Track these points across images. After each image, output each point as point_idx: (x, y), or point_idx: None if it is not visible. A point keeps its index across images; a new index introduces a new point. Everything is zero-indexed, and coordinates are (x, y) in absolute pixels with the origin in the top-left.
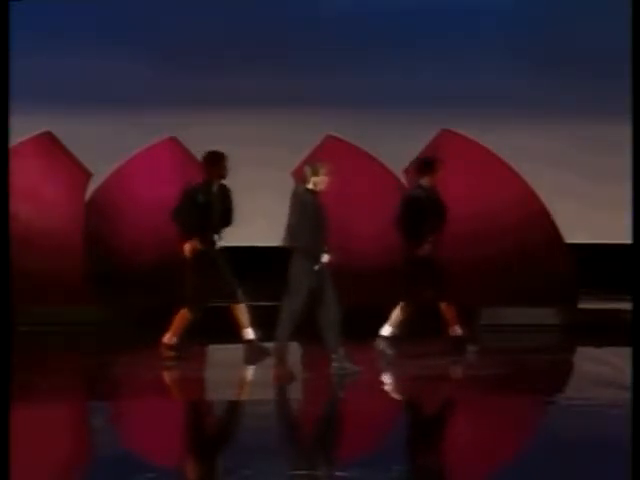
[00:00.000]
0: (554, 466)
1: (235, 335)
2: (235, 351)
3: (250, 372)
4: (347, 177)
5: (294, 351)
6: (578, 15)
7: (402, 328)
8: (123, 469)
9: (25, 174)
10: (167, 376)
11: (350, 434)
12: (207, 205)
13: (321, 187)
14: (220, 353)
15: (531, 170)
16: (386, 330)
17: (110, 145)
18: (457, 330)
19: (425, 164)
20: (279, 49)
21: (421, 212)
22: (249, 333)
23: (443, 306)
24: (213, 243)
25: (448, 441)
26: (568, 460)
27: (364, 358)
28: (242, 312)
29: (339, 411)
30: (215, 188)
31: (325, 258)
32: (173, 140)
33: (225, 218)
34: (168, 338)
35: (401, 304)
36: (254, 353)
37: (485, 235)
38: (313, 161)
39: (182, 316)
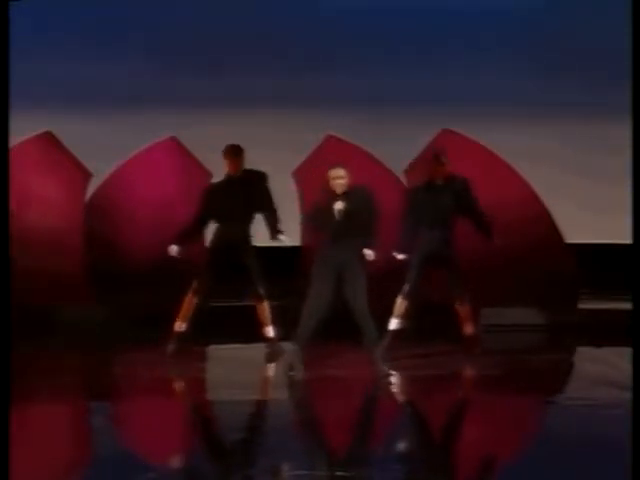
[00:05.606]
0: (554, 466)
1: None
2: (241, 351)
3: (253, 372)
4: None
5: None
6: (578, 14)
7: (408, 320)
8: (123, 469)
9: (25, 174)
10: (168, 375)
11: (351, 433)
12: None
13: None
14: (226, 352)
15: (531, 170)
16: (393, 324)
17: (110, 145)
18: (470, 329)
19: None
20: (279, 49)
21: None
22: (270, 331)
23: (457, 306)
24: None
25: (448, 440)
26: (568, 460)
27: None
28: (264, 310)
29: (340, 411)
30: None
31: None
32: (173, 140)
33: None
34: (178, 325)
35: (401, 297)
36: (271, 352)
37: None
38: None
39: (189, 301)
